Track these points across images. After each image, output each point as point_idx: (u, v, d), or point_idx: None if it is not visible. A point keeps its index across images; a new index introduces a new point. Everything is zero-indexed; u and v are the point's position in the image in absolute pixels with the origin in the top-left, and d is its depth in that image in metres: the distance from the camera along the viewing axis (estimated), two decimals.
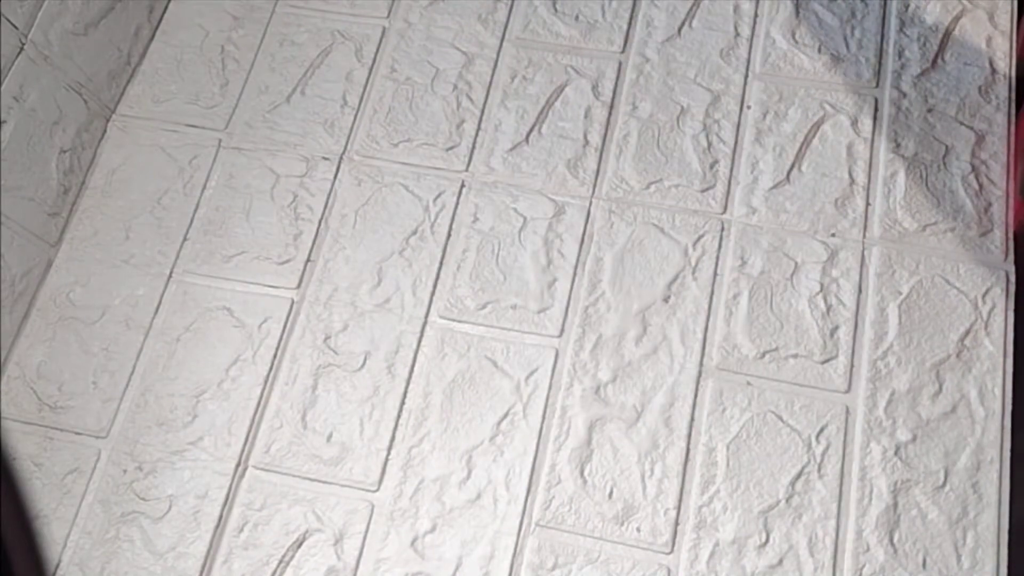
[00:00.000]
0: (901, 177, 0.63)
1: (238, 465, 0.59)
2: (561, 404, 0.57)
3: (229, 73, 0.72)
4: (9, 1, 0.61)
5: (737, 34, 0.69)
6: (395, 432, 0.59)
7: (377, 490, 0.57)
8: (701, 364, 0.58)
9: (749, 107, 0.66)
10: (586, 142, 0.66)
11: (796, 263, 0.61)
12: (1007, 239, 0.61)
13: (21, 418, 0.61)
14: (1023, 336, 0.58)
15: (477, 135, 0.67)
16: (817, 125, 0.65)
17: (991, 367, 0.57)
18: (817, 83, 0.66)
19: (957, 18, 0.67)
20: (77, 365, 0.63)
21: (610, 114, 0.67)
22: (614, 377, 0.58)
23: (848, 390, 0.57)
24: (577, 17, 0.70)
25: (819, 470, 0.55)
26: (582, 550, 0.54)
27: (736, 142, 0.65)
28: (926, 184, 0.63)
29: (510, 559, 0.55)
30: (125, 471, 0.59)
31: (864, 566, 0.53)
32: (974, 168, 0.63)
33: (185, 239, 0.66)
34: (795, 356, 0.58)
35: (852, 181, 0.63)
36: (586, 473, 0.56)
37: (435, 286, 0.63)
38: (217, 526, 0.57)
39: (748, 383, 0.58)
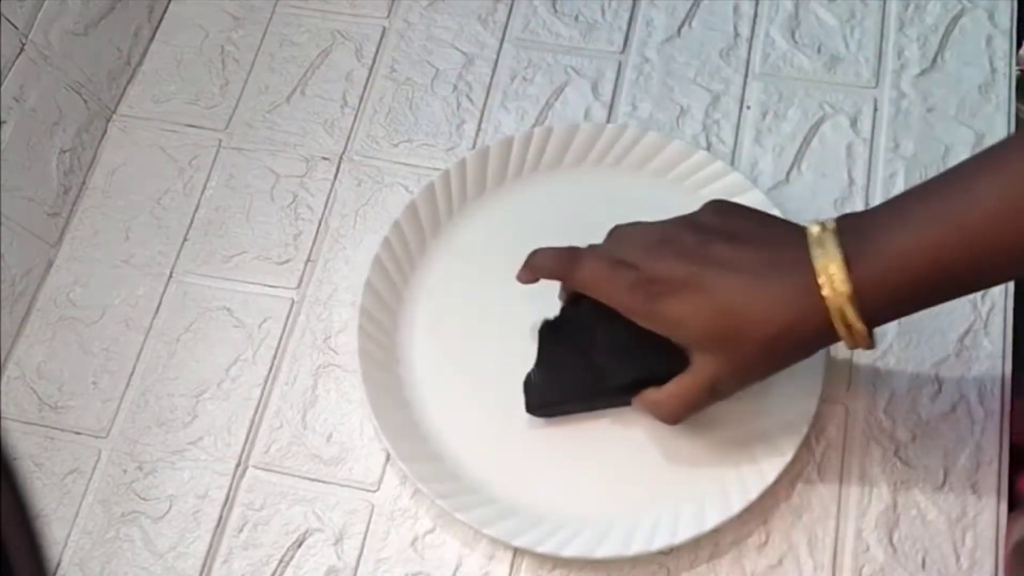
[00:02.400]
0: (901, 177, 0.63)
1: (238, 465, 0.59)
2: None
3: (229, 73, 0.72)
4: (9, 1, 0.61)
5: (737, 34, 0.69)
6: None
7: (377, 490, 0.57)
8: None
9: (748, 107, 0.66)
10: None
11: None
12: None
13: (21, 418, 0.61)
14: (1022, 336, 0.58)
15: (477, 136, 0.67)
16: (816, 125, 0.65)
17: (990, 367, 0.57)
18: (817, 83, 0.67)
19: (957, 18, 0.67)
20: (77, 365, 0.63)
21: (609, 114, 0.67)
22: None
23: (848, 390, 0.57)
24: (577, 17, 0.70)
25: (819, 470, 0.55)
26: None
27: (736, 142, 0.65)
28: None
29: (510, 561, 0.55)
30: (125, 471, 0.59)
31: (864, 566, 0.53)
32: None
33: (185, 239, 0.66)
34: None
35: (851, 181, 0.63)
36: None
37: None
38: (217, 526, 0.57)
39: None
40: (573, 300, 0.55)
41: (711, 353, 0.44)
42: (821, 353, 0.53)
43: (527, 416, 0.56)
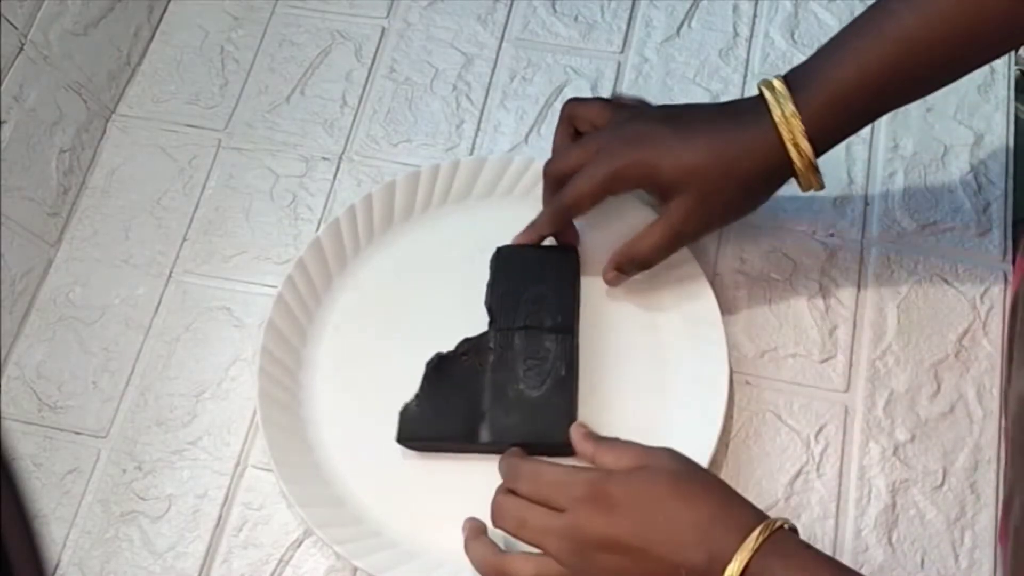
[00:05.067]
0: (900, 176, 0.63)
1: (237, 465, 0.59)
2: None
3: (229, 73, 0.72)
4: (9, 1, 0.61)
5: (736, 34, 0.69)
6: None
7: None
8: None
9: None
10: None
11: (795, 263, 0.61)
12: (1005, 239, 0.61)
13: (21, 418, 0.61)
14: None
15: (476, 136, 0.67)
16: None
17: (989, 367, 0.57)
18: None
19: None
20: (77, 365, 0.63)
21: None
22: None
23: (847, 389, 0.57)
24: (576, 17, 0.70)
25: (818, 469, 0.56)
26: None
27: None
28: (925, 184, 0.63)
29: None
30: (125, 471, 0.59)
31: (863, 565, 0.53)
32: (972, 168, 0.63)
33: (185, 239, 0.66)
34: (794, 356, 0.58)
35: (851, 180, 0.63)
36: None
37: None
38: (216, 525, 0.57)
39: (747, 382, 0.58)
40: (471, 338, 0.56)
41: (682, 194, 0.51)
42: (724, 387, 0.54)
43: (431, 458, 0.55)
